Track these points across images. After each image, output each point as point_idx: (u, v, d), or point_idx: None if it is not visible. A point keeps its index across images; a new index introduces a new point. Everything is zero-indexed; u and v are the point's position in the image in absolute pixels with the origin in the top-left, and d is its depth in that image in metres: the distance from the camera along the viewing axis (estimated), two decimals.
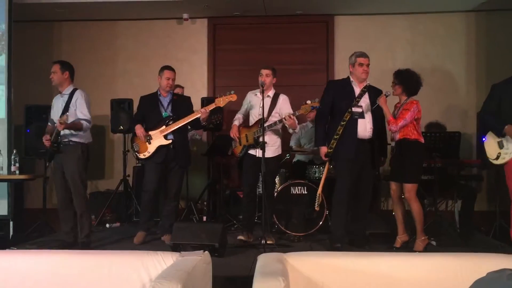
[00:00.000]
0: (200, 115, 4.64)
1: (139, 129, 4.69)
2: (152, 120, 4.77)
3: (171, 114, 4.76)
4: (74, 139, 4.47)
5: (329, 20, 6.73)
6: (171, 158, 4.74)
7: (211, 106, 4.68)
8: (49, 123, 4.72)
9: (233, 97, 4.61)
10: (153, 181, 4.77)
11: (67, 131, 4.42)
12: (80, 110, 4.50)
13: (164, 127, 4.70)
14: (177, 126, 4.67)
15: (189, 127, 5.03)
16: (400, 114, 4.37)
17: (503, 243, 4.52)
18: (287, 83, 6.28)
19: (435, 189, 5.06)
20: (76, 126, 4.43)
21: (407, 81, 4.43)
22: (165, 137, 4.69)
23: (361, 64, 4.41)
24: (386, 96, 4.40)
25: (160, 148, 4.70)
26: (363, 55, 4.46)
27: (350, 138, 4.32)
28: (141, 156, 4.77)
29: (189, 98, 5.06)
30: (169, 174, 4.81)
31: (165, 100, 4.84)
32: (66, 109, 4.47)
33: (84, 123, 4.48)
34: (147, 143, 4.71)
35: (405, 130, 4.35)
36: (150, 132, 4.71)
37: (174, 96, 4.91)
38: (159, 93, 4.86)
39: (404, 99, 4.46)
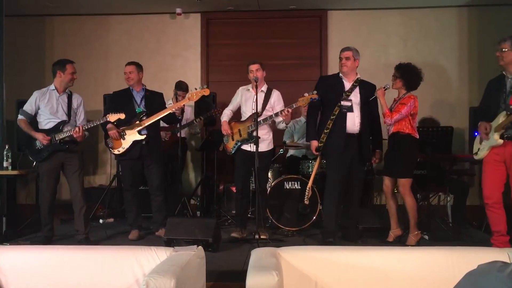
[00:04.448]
0: (173, 110, 4.67)
1: (111, 130, 4.66)
2: (125, 115, 4.69)
3: (144, 110, 4.75)
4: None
5: (323, 14, 6.73)
6: (146, 154, 4.72)
7: (184, 101, 4.71)
8: (25, 118, 4.53)
9: (206, 92, 4.63)
10: (132, 179, 4.81)
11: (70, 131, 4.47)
12: (82, 117, 4.67)
13: (137, 122, 4.67)
14: (151, 121, 4.66)
15: (165, 124, 5.08)
16: (396, 108, 4.37)
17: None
18: (280, 78, 6.29)
19: (428, 184, 5.08)
20: (84, 138, 4.58)
21: (408, 76, 4.41)
22: (139, 132, 4.67)
23: (340, 59, 4.47)
24: (385, 89, 4.40)
25: (135, 143, 4.68)
26: (343, 49, 4.51)
27: (339, 132, 4.34)
28: (116, 152, 4.74)
29: (161, 94, 5.06)
30: (146, 170, 4.80)
31: (138, 95, 4.83)
32: (69, 112, 4.57)
33: (87, 134, 4.60)
34: (121, 139, 4.69)
35: (399, 124, 4.35)
36: (123, 128, 4.69)
37: (146, 92, 4.89)
38: (131, 88, 4.84)
39: (402, 93, 4.44)
